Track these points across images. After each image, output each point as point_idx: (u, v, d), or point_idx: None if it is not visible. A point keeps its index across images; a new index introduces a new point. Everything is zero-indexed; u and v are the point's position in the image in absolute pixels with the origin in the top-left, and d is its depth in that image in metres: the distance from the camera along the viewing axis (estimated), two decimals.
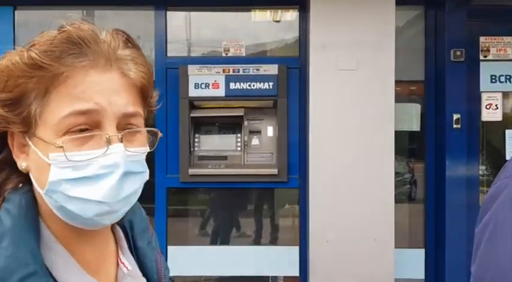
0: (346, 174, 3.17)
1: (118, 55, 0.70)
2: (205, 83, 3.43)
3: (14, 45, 3.51)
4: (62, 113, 0.66)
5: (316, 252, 3.22)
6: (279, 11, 3.70)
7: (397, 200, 3.50)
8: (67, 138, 0.66)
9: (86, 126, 0.67)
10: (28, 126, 0.69)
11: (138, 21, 3.70)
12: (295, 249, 3.55)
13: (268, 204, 3.77)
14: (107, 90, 0.68)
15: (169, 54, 3.60)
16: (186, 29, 3.72)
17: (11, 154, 0.72)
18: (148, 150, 0.75)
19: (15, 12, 3.57)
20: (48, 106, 0.67)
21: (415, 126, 3.58)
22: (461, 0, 3.34)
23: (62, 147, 0.66)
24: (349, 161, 3.17)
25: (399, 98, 3.56)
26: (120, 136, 0.68)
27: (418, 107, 3.59)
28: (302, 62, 3.46)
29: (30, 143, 0.69)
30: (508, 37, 3.49)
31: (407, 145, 3.77)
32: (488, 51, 3.51)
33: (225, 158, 3.49)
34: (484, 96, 3.50)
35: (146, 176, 0.74)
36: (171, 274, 0.93)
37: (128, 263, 0.80)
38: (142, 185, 0.74)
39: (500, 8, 3.48)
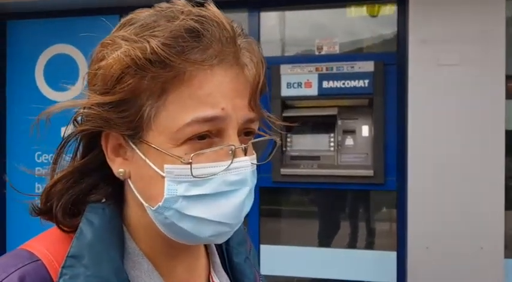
0: (449, 177, 2.96)
1: (240, 48, 0.60)
2: (298, 82, 3.40)
3: None
4: (184, 119, 0.57)
5: (415, 259, 3.04)
6: (376, 5, 3.56)
7: (509, 206, 3.19)
8: (193, 155, 0.57)
9: (207, 133, 0.58)
10: (136, 130, 0.59)
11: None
12: (393, 255, 3.38)
13: (363, 207, 3.64)
14: (231, 91, 0.58)
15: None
16: (279, 29, 3.72)
17: (99, 157, 0.64)
18: (262, 162, 0.66)
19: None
20: (164, 109, 0.57)
21: None
22: None
23: (189, 163, 0.57)
24: (452, 163, 2.95)
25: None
26: (244, 147, 0.60)
27: None
28: (400, 58, 3.28)
29: (136, 148, 0.60)
30: None
31: None
32: None
33: (317, 158, 3.43)
34: None
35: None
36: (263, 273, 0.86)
37: (219, 281, 0.72)
38: None
39: None
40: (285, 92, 3.43)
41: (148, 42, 0.56)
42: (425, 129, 3.00)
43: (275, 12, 3.71)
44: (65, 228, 0.63)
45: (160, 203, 0.58)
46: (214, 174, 0.57)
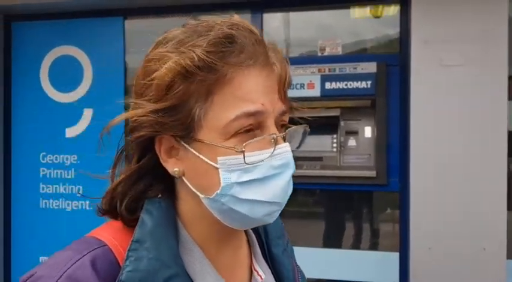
0: (452, 177, 2.95)
1: (271, 52, 0.70)
2: (300, 83, 3.41)
3: (124, 55, 3.79)
4: (229, 115, 0.65)
5: (417, 260, 3.04)
6: (380, 6, 3.56)
7: (511, 206, 3.19)
8: (245, 144, 0.65)
9: (251, 127, 0.67)
10: (188, 130, 0.67)
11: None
12: (395, 256, 3.38)
13: (366, 207, 3.64)
14: (267, 88, 0.67)
15: None
16: (282, 30, 3.73)
17: (153, 159, 0.72)
18: (297, 148, 0.74)
19: (125, 22, 3.84)
20: (211, 110, 0.66)
21: None
22: None
23: (243, 152, 0.65)
24: (454, 164, 2.95)
25: None
26: (283, 135, 0.69)
27: None
28: (403, 59, 3.29)
29: (189, 147, 0.68)
30: None
31: None
32: None
33: (320, 159, 3.44)
34: None
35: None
36: None
37: (262, 270, 0.78)
38: None
39: None
40: (288, 93, 3.43)
41: (193, 51, 0.64)
42: (428, 129, 3.00)
43: (278, 13, 3.72)
44: (127, 222, 0.71)
45: (218, 191, 0.66)
46: (262, 161, 0.65)
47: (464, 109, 2.95)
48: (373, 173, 3.28)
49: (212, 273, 0.71)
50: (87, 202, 3.83)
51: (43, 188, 3.92)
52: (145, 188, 0.72)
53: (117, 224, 0.73)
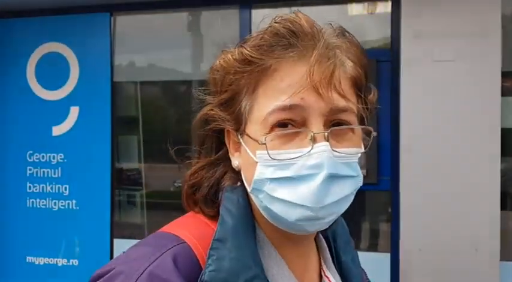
0: (443, 176, 2.88)
1: (329, 45, 0.66)
2: None
3: (111, 51, 3.73)
4: (267, 108, 0.64)
5: (407, 261, 2.97)
6: (376, 3, 3.49)
7: (506, 206, 3.11)
8: (271, 135, 0.64)
9: (290, 122, 0.64)
10: (239, 124, 0.69)
11: (222, 21, 3.72)
12: (387, 257, 3.31)
13: (356, 207, 3.56)
14: (316, 84, 0.63)
15: None
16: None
17: (225, 152, 0.74)
18: (362, 151, 0.68)
19: (112, 18, 3.77)
20: (256, 102, 0.66)
21: None
22: None
23: (264, 144, 0.63)
24: (446, 162, 2.88)
25: (510, 91, 3.17)
26: (326, 134, 0.63)
27: None
28: (394, 55, 3.21)
29: (241, 140, 0.69)
30: None
31: None
32: None
33: None
34: None
35: (359, 182, 0.67)
36: None
37: (332, 277, 0.75)
38: (354, 192, 0.67)
39: None
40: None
41: (244, 47, 0.67)
42: (419, 127, 2.92)
43: (267, 9, 3.65)
44: (206, 213, 0.71)
45: (252, 184, 0.66)
46: (293, 159, 0.62)
47: (456, 106, 2.87)
48: (363, 172, 3.19)
49: (290, 276, 0.69)
50: (74, 201, 3.77)
51: (30, 187, 3.86)
52: (221, 176, 0.73)
53: (192, 220, 0.72)
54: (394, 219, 3.23)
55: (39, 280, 3.77)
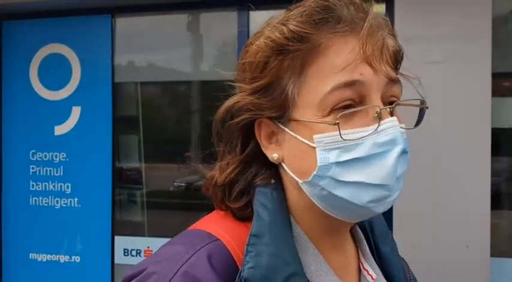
0: (435, 175, 2.95)
1: (374, 20, 0.63)
2: None
3: (113, 52, 3.81)
4: (325, 88, 0.60)
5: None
6: (366, 4, 3.56)
7: (497, 204, 3.18)
8: (340, 115, 0.59)
9: (351, 102, 0.60)
10: (283, 110, 0.64)
11: (221, 22, 3.80)
12: None
13: None
14: (369, 57, 0.60)
15: None
16: None
17: (258, 147, 0.68)
18: (411, 127, 0.67)
19: (113, 20, 3.85)
20: (305, 84, 0.62)
21: None
22: None
23: (337, 124, 0.59)
24: (438, 161, 2.95)
25: (501, 92, 3.23)
26: (389, 109, 0.62)
27: None
28: None
29: (285, 128, 0.64)
30: None
31: (508, 144, 3.40)
32: None
33: None
34: None
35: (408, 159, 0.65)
36: None
37: (372, 270, 0.72)
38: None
39: None
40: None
41: (285, 25, 0.62)
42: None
43: (264, 11, 3.72)
44: (236, 213, 0.67)
45: (314, 172, 0.61)
46: (363, 137, 0.59)
47: (447, 107, 2.94)
48: None
49: (329, 272, 0.66)
50: (76, 199, 3.85)
51: (33, 186, 3.94)
52: (253, 176, 0.68)
53: (222, 216, 0.69)
54: (387, 217, 3.31)
55: (42, 276, 3.85)
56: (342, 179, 0.59)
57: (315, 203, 0.63)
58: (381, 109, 0.60)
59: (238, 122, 0.67)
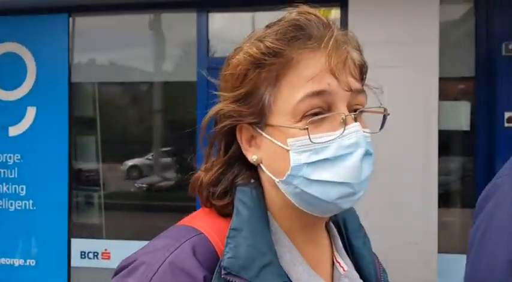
0: (385, 175, 3.05)
1: (340, 36, 0.70)
2: None
3: (69, 51, 3.76)
4: (296, 96, 0.67)
5: None
6: (322, 9, 3.64)
7: (444, 203, 3.32)
8: (309, 121, 0.66)
9: (320, 109, 0.67)
10: (261, 117, 0.70)
11: (180, 24, 3.81)
12: None
13: None
14: (334, 69, 0.67)
15: (211, 55, 3.67)
16: (228, 30, 3.77)
17: (239, 149, 0.75)
18: (375, 132, 0.74)
19: (70, 19, 3.80)
20: (280, 93, 0.69)
21: (464, 126, 3.37)
22: None
23: (306, 129, 0.66)
24: (387, 161, 3.04)
25: (448, 96, 3.38)
26: (353, 116, 0.69)
27: (467, 105, 3.38)
28: None
29: (263, 133, 0.71)
30: None
31: (455, 145, 3.56)
32: None
33: None
34: None
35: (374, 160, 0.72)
36: None
37: (344, 262, 0.78)
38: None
39: None
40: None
41: (262, 42, 0.69)
42: None
43: (223, 13, 3.76)
44: (219, 210, 0.74)
45: (288, 172, 0.68)
46: (330, 141, 0.66)
47: (398, 109, 3.03)
48: None
49: (302, 262, 0.72)
50: (31, 201, 3.78)
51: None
52: (234, 176, 0.74)
53: (207, 213, 0.75)
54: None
55: None
56: (312, 178, 0.66)
57: (290, 200, 0.70)
58: (345, 116, 0.67)
59: (221, 127, 0.74)
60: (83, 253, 3.76)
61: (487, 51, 3.28)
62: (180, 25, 3.85)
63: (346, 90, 0.67)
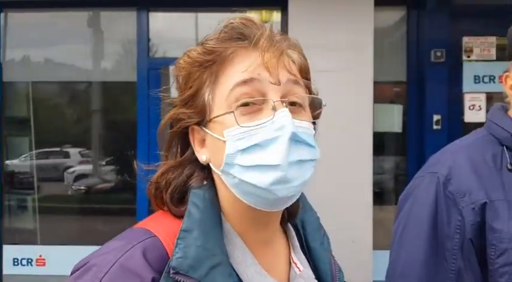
0: (323, 174, 3.14)
1: (274, 35, 0.74)
2: None
3: (1, 49, 3.58)
4: (229, 86, 0.70)
5: None
6: (263, 11, 3.71)
7: (379, 200, 3.48)
8: (237, 106, 0.69)
9: (251, 98, 0.70)
10: (203, 115, 0.73)
11: (121, 23, 3.74)
12: None
13: None
14: (267, 63, 0.70)
15: (152, 55, 3.63)
16: (169, 30, 3.75)
17: (192, 152, 0.76)
18: (313, 127, 0.75)
19: (2, 15, 3.62)
20: (217, 89, 0.72)
21: (397, 128, 3.55)
22: (442, 0, 3.31)
23: (232, 112, 0.69)
24: (325, 161, 3.14)
25: (382, 99, 3.54)
26: (285, 104, 0.70)
27: (400, 108, 3.56)
28: None
29: (206, 129, 0.73)
30: (491, 37, 3.44)
31: (389, 146, 3.74)
32: (472, 51, 3.46)
33: None
34: (467, 97, 3.45)
35: (317, 154, 0.74)
36: None
37: (300, 263, 0.80)
38: (314, 164, 0.73)
39: (483, 7, 3.44)
40: (175, 93, 3.44)
41: (202, 44, 0.74)
42: None
43: (164, 13, 3.73)
44: (173, 212, 0.74)
45: (224, 161, 0.70)
46: (260, 125, 0.68)
47: (337, 112, 3.15)
48: None
49: (253, 263, 0.73)
50: None
51: None
52: (187, 177, 0.75)
53: (164, 215, 0.76)
54: None
55: None
56: (246, 164, 0.68)
57: (233, 192, 0.72)
58: (274, 102, 0.69)
59: (174, 130, 0.76)
60: (15, 260, 3.60)
61: (417, 57, 3.48)
62: (120, 23, 3.78)
63: (277, 83, 0.71)
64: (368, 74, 3.14)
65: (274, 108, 0.69)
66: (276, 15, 3.66)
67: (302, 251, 0.82)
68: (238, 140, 0.69)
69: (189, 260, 0.67)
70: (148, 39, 3.60)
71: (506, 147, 1.12)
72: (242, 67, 0.71)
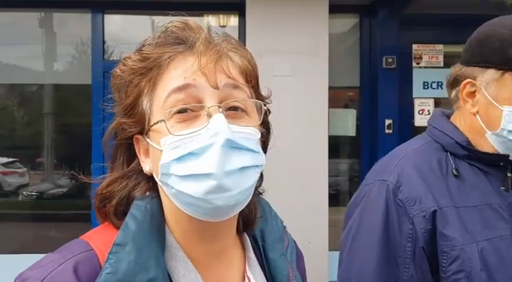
0: (279, 176, 3.19)
1: (212, 38, 0.71)
2: None
3: None
4: (164, 94, 0.68)
5: None
6: (221, 16, 3.73)
7: (334, 202, 3.55)
8: (170, 112, 0.67)
9: (186, 105, 0.67)
10: (143, 123, 0.70)
11: (75, 24, 3.66)
12: None
13: None
14: (204, 68, 0.67)
15: (107, 57, 3.57)
16: (124, 32, 3.70)
17: (140, 163, 0.74)
18: (258, 131, 0.71)
19: None
20: (155, 96, 0.69)
21: (351, 131, 3.66)
22: (392, 9, 3.44)
23: (163, 121, 0.66)
24: (283, 164, 3.20)
25: (336, 104, 3.63)
26: (220, 109, 0.67)
27: (353, 113, 3.67)
28: None
29: (147, 139, 0.70)
30: (439, 45, 3.61)
31: (343, 150, 3.85)
32: (421, 58, 3.62)
33: None
34: (416, 102, 3.61)
35: (260, 159, 0.70)
36: None
37: (254, 277, 0.76)
38: (258, 170, 0.70)
39: (431, 17, 3.61)
40: None
41: (138, 51, 0.72)
42: None
43: (120, 15, 3.68)
44: (115, 225, 0.71)
45: (160, 171, 0.67)
46: (193, 133, 0.66)
47: (292, 116, 3.21)
48: None
49: (196, 278, 0.70)
50: None
51: None
52: (132, 188, 0.73)
53: (107, 228, 0.73)
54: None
55: None
56: (181, 174, 0.65)
57: (174, 202, 0.69)
58: (208, 108, 0.66)
59: (117, 141, 0.74)
60: None
61: (370, 63, 3.60)
62: (74, 25, 3.70)
63: (215, 86, 0.68)
64: (323, 79, 3.22)
65: (209, 115, 0.66)
66: (234, 20, 3.69)
67: (260, 262, 0.79)
68: (174, 148, 0.66)
69: (119, 275, 0.64)
70: (104, 41, 3.54)
71: (450, 153, 1.12)
72: (178, 73, 0.68)
